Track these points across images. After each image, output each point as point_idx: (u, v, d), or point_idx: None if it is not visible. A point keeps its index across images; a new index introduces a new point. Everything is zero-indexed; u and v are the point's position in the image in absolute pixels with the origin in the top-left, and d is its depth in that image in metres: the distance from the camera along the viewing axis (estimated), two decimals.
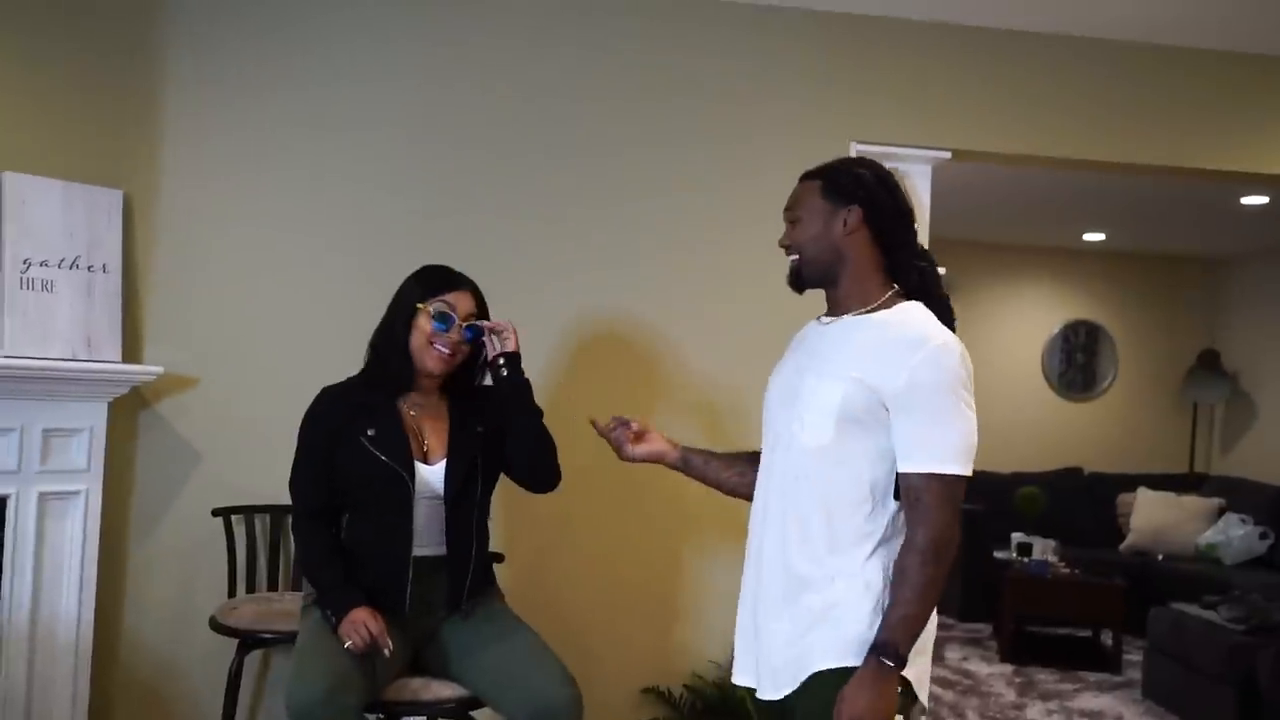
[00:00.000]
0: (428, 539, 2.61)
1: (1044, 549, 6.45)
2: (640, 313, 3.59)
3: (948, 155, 3.76)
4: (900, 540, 2.00)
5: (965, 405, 1.98)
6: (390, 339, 2.62)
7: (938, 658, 6.22)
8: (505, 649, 2.54)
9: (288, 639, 2.85)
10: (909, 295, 2.11)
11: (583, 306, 3.56)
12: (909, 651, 1.97)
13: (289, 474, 2.68)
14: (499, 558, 3.11)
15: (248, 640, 3.00)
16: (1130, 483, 7.79)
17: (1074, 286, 8.76)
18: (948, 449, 1.96)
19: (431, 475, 2.61)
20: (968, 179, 5.97)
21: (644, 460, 2.49)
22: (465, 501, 2.64)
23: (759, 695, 2.13)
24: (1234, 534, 6.85)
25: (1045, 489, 7.47)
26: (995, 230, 7.95)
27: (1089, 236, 8.14)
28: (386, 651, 2.43)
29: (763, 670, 2.12)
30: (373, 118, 3.47)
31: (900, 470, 2.00)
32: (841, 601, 2.01)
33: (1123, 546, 7.24)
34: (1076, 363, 8.78)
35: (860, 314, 2.09)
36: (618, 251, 3.59)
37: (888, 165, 3.69)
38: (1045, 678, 5.88)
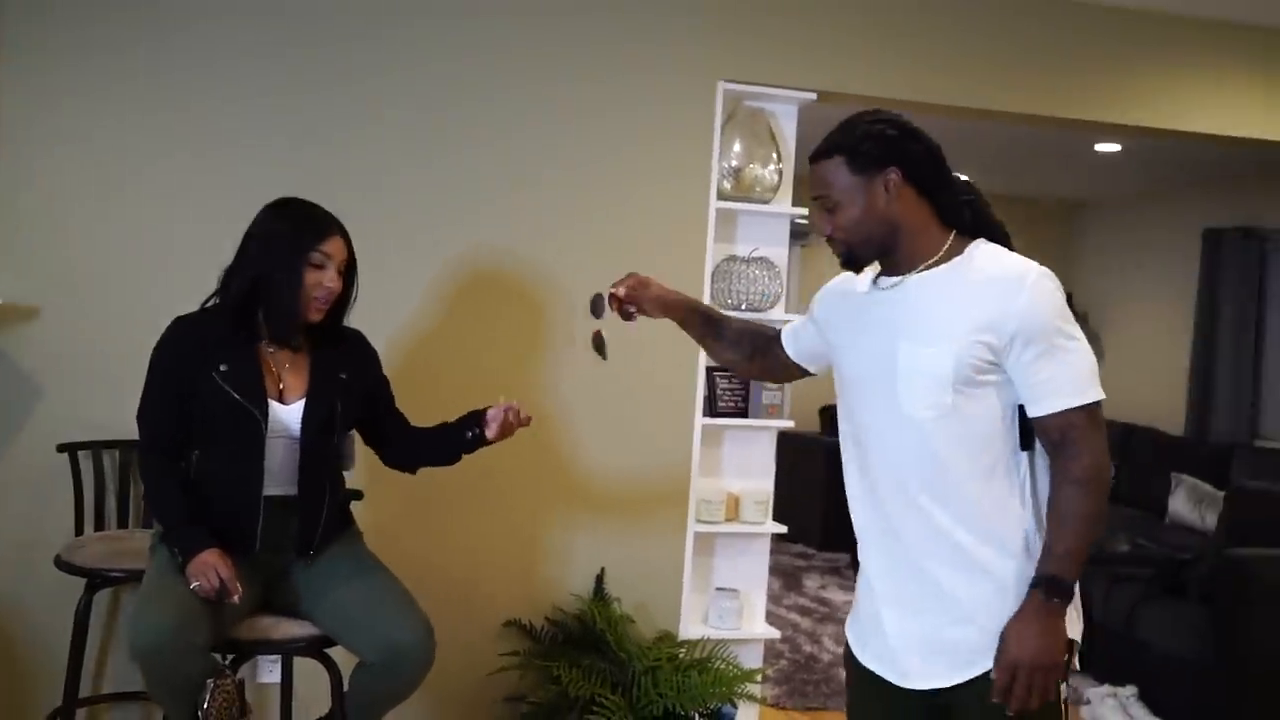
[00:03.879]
0: (280, 479, 2.56)
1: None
2: (505, 250, 3.55)
3: (813, 97, 3.79)
4: (1036, 492, 1.96)
5: (1074, 326, 1.93)
6: (274, 289, 2.49)
7: (796, 587, 6.42)
8: (356, 588, 2.52)
9: (137, 577, 2.78)
10: (966, 233, 2.03)
11: (451, 243, 3.51)
12: (1074, 585, 1.91)
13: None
14: (358, 495, 3.08)
15: (95, 579, 2.91)
16: None
17: None
18: (1079, 378, 1.91)
19: (286, 415, 2.56)
20: (833, 120, 6.05)
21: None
22: (321, 444, 2.60)
23: (897, 683, 2.04)
24: None
25: None
26: None
27: None
28: (236, 598, 2.39)
29: (898, 659, 2.05)
30: (228, 40, 3.33)
31: (1034, 415, 1.93)
32: (997, 585, 1.94)
33: None
34: None
35: (930, 268, 2.00)
36: (483, 190, 3.53)
37: (752, 106, 3.77)
38: None
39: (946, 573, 1.99)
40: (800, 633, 5.40)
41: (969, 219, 2.04)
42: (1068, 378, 1.91)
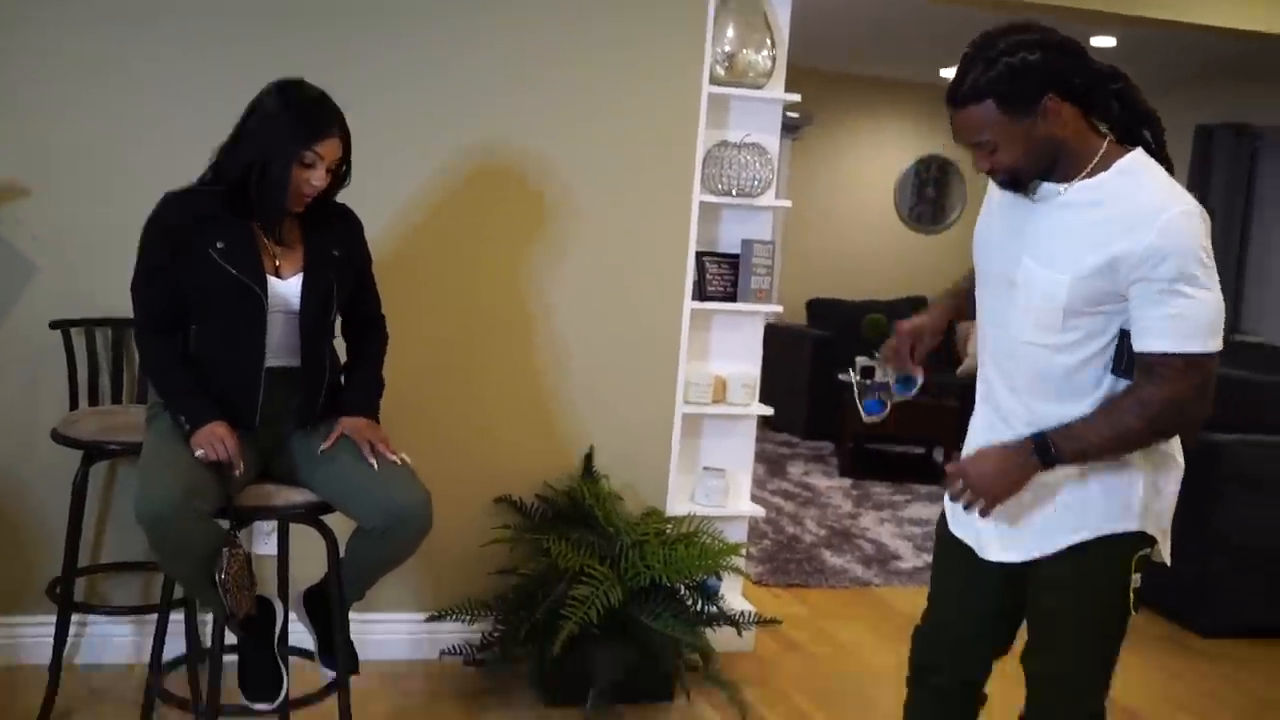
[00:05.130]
0: (280, 352, 2.59)
1: (885, 372, 6.73)
2: (497, 139, 3.54)
3: None
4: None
5: (1207, 275, 1.86)
6: (263, 176, 2.46)
7: (780, 473, 6.54)
8: (354, 457, 2.56)
9: (134, 450, 2.82)
10: (1114, 129, 1.98)
11: (444, 134, 3.49)
12: (1062, 464, 1.96)
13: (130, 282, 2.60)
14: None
15: (92, 452, 2.96)
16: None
17: (929, 122, 8.92)
18: (1190, 326, 1.86)
19: (285, 289, 2.57)
20: (829, 6, 5.97)
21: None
22: (321, 317, 2.62)
23: (978, 553, 2.15)
24: None
25: (891, 316, 7.77)
26: (854, 62, 8.00)
27: (945, 72, 8.26)
28: (237, 472, 2.44)
29: (980, 532, 2.14)
30: None
31: (1136, 349, 1.91)
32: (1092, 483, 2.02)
33: (959, 370, 7.62)
34: (927, 196, 9.04)
35: (1080, 182, 1.95)
36: (475, 79, 3.50)
37: None
38: (880, 490, 6.25)
39: None
40: (784, 515, 5.52)
41: (1117, 111, 1.99)
42: (1178, 322, 1.86)
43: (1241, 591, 4.34)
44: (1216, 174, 7.54)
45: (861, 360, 6.83)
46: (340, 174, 2.60)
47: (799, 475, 6.51)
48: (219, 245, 2.50)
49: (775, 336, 7.98)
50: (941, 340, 2.32)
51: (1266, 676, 4.03)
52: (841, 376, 6.95)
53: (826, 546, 5.04)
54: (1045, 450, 1.97)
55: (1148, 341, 1.91)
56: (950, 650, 2.29)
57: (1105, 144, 1.97)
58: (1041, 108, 1.90)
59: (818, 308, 8.24)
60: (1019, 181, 2.00)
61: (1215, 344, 1.90)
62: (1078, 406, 2.01)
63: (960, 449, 2.26)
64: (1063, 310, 1.95)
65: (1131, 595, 2.08)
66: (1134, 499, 2.03)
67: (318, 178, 2.51)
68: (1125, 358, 1.98)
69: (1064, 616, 2.11)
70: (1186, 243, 1.85)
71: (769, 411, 3.89)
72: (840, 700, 3.58)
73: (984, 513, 2.02)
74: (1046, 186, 1.99)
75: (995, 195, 2.14)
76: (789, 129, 8.22)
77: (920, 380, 2.26)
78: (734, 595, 3.85)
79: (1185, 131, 7.72)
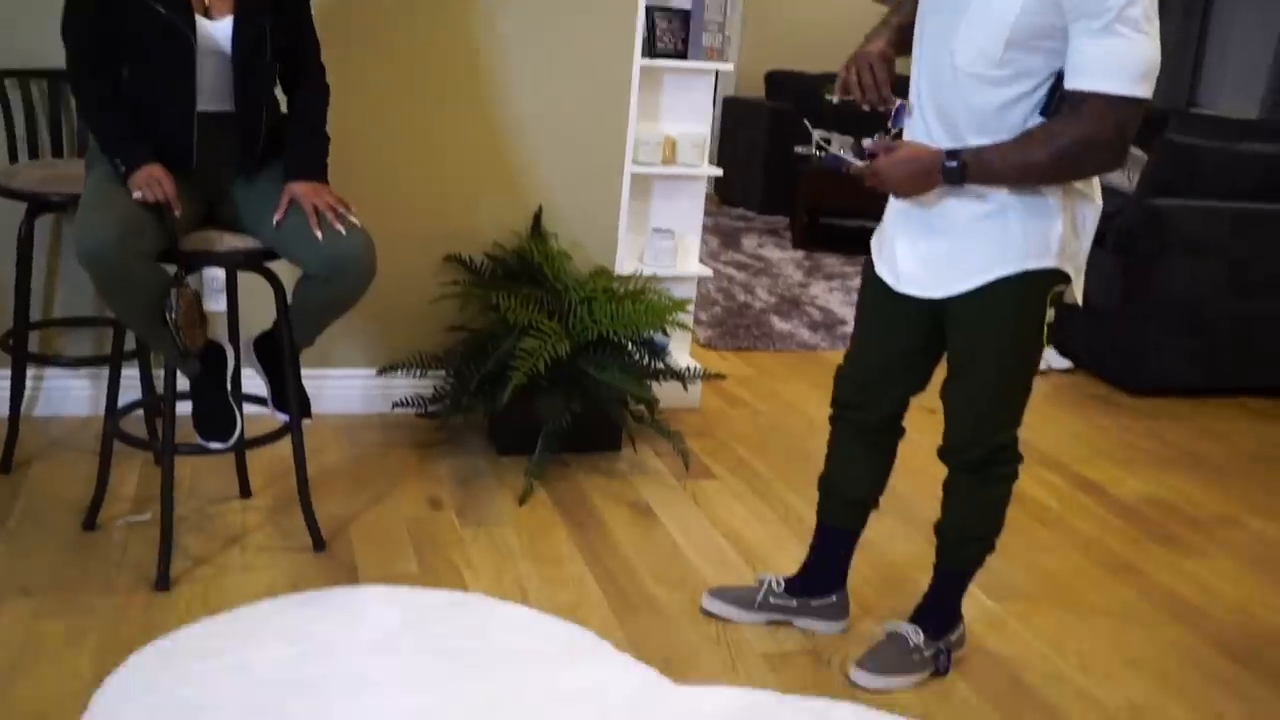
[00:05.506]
0: (213, 96, 2.55)
1: (841, 144, 6.70)
2: None
3: None
4: None
5: (1149, 22, 1.89)
6: None
7: (734, 245, 6.60)
8: (297, 205, 2.55)
9: (76, 201, 2.79)
10: None
11: None
12: (968, 182, 2.03)
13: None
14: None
15: (35, 203, 2.93)
16: None
17: None
18: (1124, 67, 1.90)
19: (215, 30, 2.51)
20: None
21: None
22: (255, 62, 2.57)
23: (905, 290, 2.22)
24: None
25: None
26: None
27: None
28: (176, 213, 2.44)
29: (901, 270, 2.22)
30: None
31: (1066, 87, 1.95)
32: (1009, 213, 2.07)
33: None
34: None
35: None
36: None
37: None
38: (831, 261, 6.33)
39: (961, 201, 2.11)
40: (735, 284, 5.60)
41: None
42: (1109, 61, 1.90)
43: (1176, 352, 4.50)
44: None
45: (819, 132, 6.80)
46: None
47: (753, 247, 6.57)
48: None
49: (733, 109, 7.92)
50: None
51: (1188, 430, 4.23)
52: (799, 149, 6.96)
53: (775, 313, 5.14)
54: (956, 167, 2.04)
55: (1077, 79, 1.95)
56: (870, 386, 2.40)
57: None
58: None
59: (776, 80, 8.11)
60: None
61: (1143, 90, 1.93)
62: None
63: None
64: (1005, 41, 1.96)
65: (1046, 329, 2.17)
66: (1053, 237, 2.09)
67: None
68: (1055, 103, 2.01)
69: (982, 351, 2.20)
70: None
71: (718, 173, 3.90)
72: (780, 450, 3.74)
73: (876, 189, 2.15)
74: None
75: None
76: None
77: (902, 103, 2.24)
78: (682, 355, 3.95)
79: None
